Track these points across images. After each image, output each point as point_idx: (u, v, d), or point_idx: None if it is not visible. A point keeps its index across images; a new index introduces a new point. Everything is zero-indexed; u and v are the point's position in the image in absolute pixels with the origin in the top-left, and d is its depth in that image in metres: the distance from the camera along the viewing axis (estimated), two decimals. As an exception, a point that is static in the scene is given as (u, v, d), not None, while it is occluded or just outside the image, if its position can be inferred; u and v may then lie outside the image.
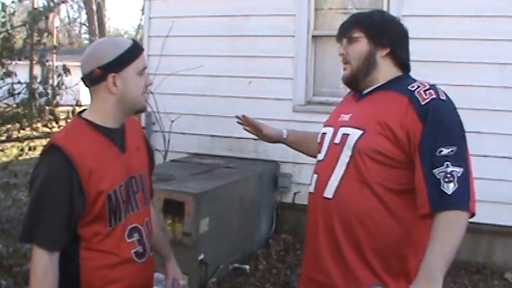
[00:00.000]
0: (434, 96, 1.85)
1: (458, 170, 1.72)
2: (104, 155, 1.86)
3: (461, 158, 1.76)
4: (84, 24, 30.87)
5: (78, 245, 1.85)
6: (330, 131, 2.10)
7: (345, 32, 2.08)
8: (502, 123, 4.97)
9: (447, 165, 1.73)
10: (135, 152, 2.01)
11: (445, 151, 1.75)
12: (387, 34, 2.02)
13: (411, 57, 2.08)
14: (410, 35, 2.09)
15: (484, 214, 4.89)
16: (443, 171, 1.73)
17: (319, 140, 2.17)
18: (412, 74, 2.08)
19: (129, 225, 1.92)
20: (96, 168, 1.80)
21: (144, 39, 6.53)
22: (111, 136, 1.90)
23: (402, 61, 2.06)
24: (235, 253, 4.78)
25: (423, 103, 1.84)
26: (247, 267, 4.73)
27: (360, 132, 1.94)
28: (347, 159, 1.95)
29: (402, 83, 1.97)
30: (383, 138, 1.88)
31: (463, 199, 1.71)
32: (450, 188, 1.70)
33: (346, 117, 2.06)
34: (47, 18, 5.04)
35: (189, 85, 5.99)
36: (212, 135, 6.02)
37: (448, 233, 1.67)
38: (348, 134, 1.97)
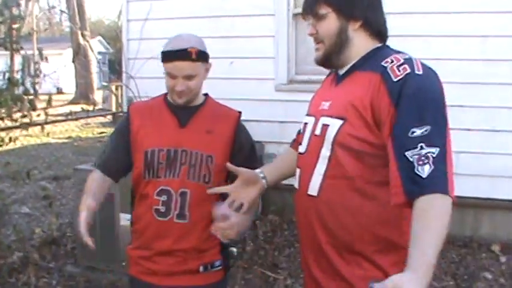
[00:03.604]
0: (408, 71, 1.63)
1: (433, 151, 1.51)
2: (158, 121, 2.24)
3: (437, 137, 1.54)
4: (65, 12, 30.40)
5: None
6: (311, 120, 1.91)
7: (310, 9, 1.88)
8: (484, 96, 4.96)
9: (421, 146, 1.52)
10: (200, 132, 2.22)
11: (418, 132, 1.54)
12: (358, 2, 1.80)
13: (390, 33, 1.96)
14: (389, 10, 1.98)
15: (469, 187, 4.97)
16: (417, 154, 1.51)
17: (301, 131, 1.99)
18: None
19: (162, 186, 2.19)
20: (144, 128, 2.23)
21: (122, 23, 6.44)
22: (175, 111, 2.24)
23: (378, 29, 1.85)
24: (222, 236, 4.73)
25: (395, 79, 1.63)
26: (235, 249, 4.71)
27: (340, 122, 1.74)
28: (328, 153, 1.77)
29: (378, 58, 1.75)
30: (362, 126, 1.69)
31: (440, 181, 1.49)
32: (425, 170, 1.49)
33: (326, 104, 1.86)
34: (19, 5, 4.90)
35: (170, 68, 5.89)
36: (195, 118, 5.94)
37: (435, 221, 1.45)
38: (328, 125, 1.78)
